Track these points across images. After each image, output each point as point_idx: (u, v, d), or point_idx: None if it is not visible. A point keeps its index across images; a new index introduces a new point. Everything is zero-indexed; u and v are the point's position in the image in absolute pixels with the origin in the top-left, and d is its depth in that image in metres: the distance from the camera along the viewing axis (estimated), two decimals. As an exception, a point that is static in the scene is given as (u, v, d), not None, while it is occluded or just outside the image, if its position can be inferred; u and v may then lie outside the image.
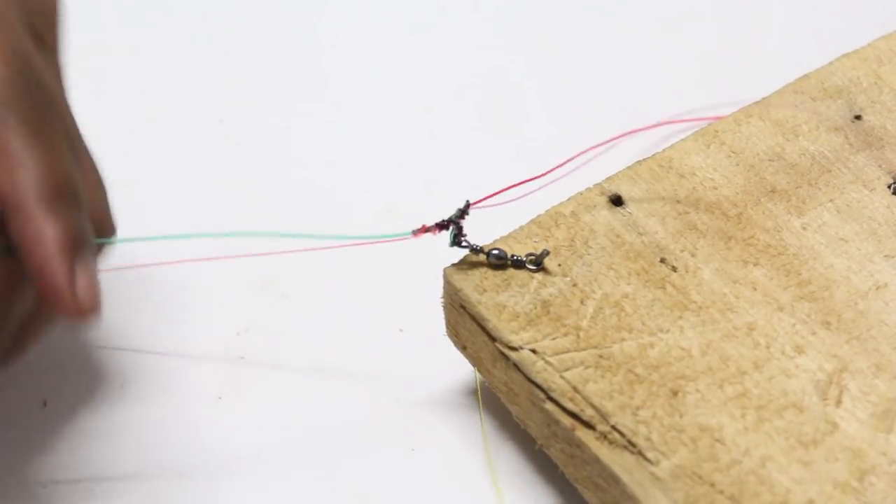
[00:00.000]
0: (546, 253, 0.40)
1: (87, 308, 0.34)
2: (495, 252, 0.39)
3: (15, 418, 0.42)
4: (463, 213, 0.40)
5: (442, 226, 0.39)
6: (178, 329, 0.45)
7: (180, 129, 0.52)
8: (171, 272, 0.47)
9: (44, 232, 0.33)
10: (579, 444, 0.37)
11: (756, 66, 0.55)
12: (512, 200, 0.41)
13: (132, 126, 0.52)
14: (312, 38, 0.57)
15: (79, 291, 0.34)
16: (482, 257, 0.39)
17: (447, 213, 0.40)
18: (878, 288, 0.40)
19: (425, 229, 0.39)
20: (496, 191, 0.40)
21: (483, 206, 0.40)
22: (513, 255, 0.40)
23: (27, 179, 0.34)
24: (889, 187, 0.43)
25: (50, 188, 0.34)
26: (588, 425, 0.37)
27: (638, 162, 0.43)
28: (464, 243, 0.39)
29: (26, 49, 0.35)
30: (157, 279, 0.46)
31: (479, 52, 0.57)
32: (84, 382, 0.43)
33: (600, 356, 0.38)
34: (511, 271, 0.40)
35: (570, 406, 0.37)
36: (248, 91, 0.54)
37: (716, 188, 0.43)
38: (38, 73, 0.35)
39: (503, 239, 0.40)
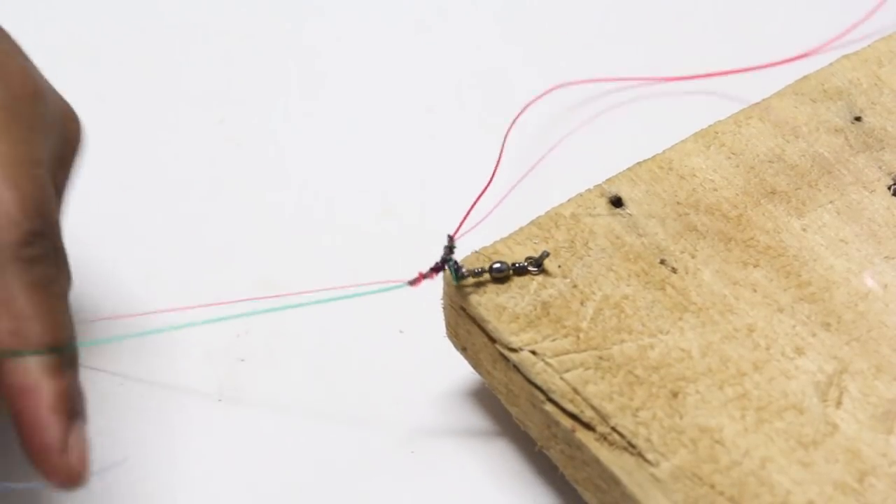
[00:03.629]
0: (546, 254, 0.40)
1: (77, 475, 0.32)
2: (496, 266, 0.39)
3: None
4: (450, 249, 0.39)
5: (437, 269, 0.39)
6: (179, 330, 0.45)
7: (180, 130, 0.52)
8: (172, 272, 0.47)
9: (40, 388, 0.32)
10: (579, 446, 0.37)
11: (755, 65, 0.55)
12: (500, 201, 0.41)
13: (132, 126, 0.52)
14: (313, 39, 0.57)
15: (70, 457, 0.32)
16: (486, 276, 0.39)
17: (446, 213, 0.40)
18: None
19: (422, 277, 0.39)
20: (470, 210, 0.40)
21: (482, 208, 0.40)
22: (513, 264, 0.39)
23: (30, 333, 0.32)
24: (889, 189, 0.43)
25: (52, 337, 0.32)
26: (588, 426, 0.37)
27: (638, 163, 0.43)
28: (465, 273, 0.39)
29: (47, 198, 0.34)
30: (158, 279, 0.46)
31: (479, 52, 0.57)
32: (83, 380, 0.43)
33: (600, 357, 0.38)
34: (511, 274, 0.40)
35: (569, 407, 0.37)
36: (249, 91, 0.54)
37: (716, 189, 0.43)
38: (54, 221, 0.34)
39: (503, 241, 0.40)
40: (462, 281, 0.39)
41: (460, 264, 0.39)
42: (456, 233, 0.40)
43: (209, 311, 0.45)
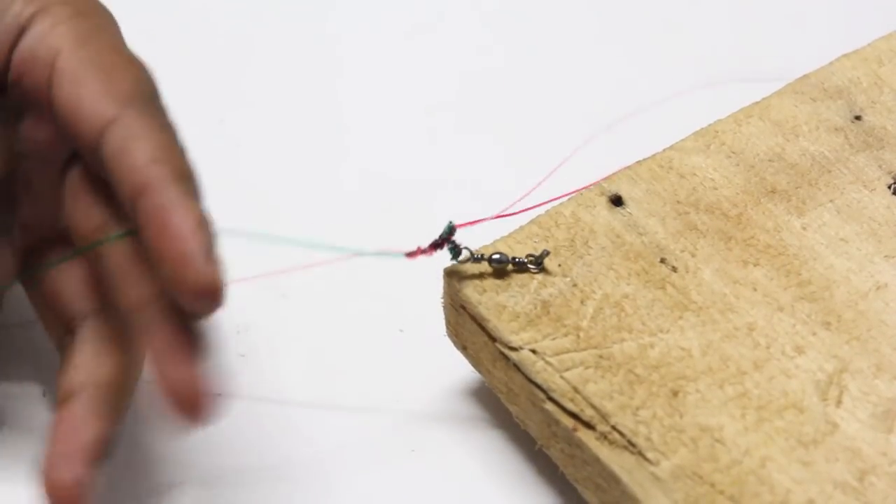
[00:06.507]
0: (546, 253, 0.40)
1: (218, 285, 0.32)
2: (496, 256, 0.39)
3: (14, 412, 0.42)
4: (451, 231, 0.39)
5: (436, 245, 0.39)
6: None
7: (180, 129, 0.52)
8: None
9: (183, 206, 0.32)
10: (579, 445, 0.37)
11: (757, 65, 0.55)
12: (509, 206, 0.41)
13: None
14: (313, 39, 0.57)
15: (214, 266, 0.32)
16: (484, 264, 0.39)
17: (447, 214, 0.40)
18: (878, 288, 0.40)
19: (420, 251, 0.39)
20: (480, 214, 0.40)
21: (486, 210, 0.40)
22: (514, 258, 0.40)
23: (168, 160, 0.34)
24: (889, 187, 0.43)
25: (186, 171, 0.34)
26: (588, 425, 0.37)
27: (638, 162, 0.43)
28: (464, 255, 0.39)
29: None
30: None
31: (479, 54, 0.57)
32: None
33: (600, 356, 0.38)
34: (511, 271, 0.40)
35: (570, 406, 0.37)
36: (249, 91, 0.54)
37: (716, 188, 0.43)
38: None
39: (503, 239, 0.40)
40: (459, 260, 0.39)
41: (459, 244, 0.39)
42: (461, 225, 0.40)
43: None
